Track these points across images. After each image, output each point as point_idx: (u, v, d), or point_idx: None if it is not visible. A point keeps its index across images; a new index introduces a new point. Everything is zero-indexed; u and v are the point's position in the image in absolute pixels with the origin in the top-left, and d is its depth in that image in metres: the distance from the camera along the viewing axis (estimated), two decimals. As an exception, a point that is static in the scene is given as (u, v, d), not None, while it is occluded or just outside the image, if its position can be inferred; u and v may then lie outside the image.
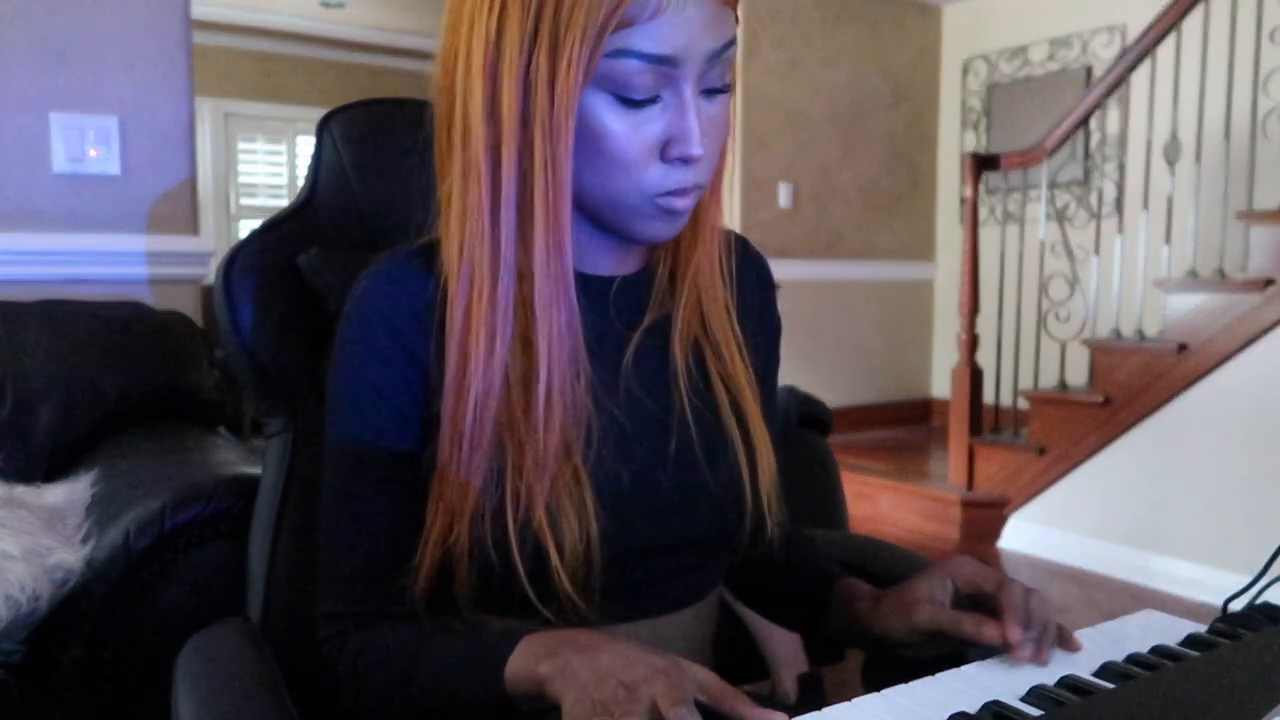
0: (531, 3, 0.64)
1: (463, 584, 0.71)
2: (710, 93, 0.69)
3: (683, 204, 0.70)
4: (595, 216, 0.74)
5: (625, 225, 0.72)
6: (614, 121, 0.67)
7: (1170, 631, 0.72)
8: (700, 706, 0.56)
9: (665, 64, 0.65)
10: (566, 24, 0.63)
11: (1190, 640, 0.70)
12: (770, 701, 0.70)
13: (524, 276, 0.70)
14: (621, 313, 0.78)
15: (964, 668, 0.67)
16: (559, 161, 0.66)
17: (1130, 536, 3.09)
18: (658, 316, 0.79)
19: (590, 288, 0.77)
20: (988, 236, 3.79)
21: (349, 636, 0.73)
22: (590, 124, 0.67)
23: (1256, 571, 0.74)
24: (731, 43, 0.68)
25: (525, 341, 0.71)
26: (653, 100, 0.67)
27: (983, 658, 0.69)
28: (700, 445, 0.77)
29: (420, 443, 0.74)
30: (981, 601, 0.73)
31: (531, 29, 0.64)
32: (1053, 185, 3.54)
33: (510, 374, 0.70)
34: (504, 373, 0.70)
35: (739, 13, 0.71)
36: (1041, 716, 0.57)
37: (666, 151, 0.68)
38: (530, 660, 0.62)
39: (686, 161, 0.68)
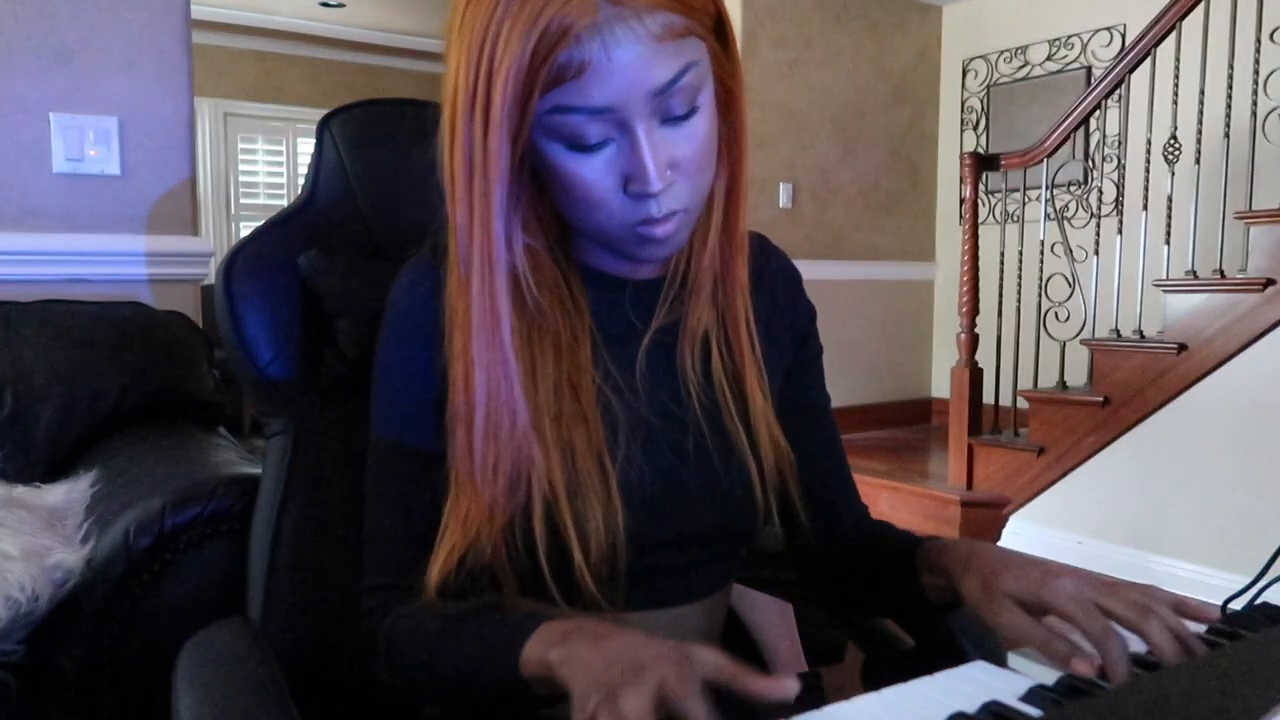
0: (471, 68, 0.66)
1: (501, 580, 0.73)
2: (674, 120, 0.69)
3: (663, 230, 0.71)
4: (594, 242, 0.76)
5: (620, 250, 0.75)
6: (573, 166, 0.68)
7: (1170, 631, 0.71)
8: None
9: (606, 113, 0.66)
10: (494, 89, 0.64)
11: (1190, 640, 0.69)
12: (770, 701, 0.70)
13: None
14: (638, 313, 0.81)
15: (963, 667, 0.67)
16: (489, 221, 0.68)
17: (1130, 537, 3.09)
18: (670, 319, 0.81)
19: (605, 285, 0.80)
20: (988, 236, 3.79)
21: (390, 609, 0.75)
22: (553, 170, 0.69)
23: (1256, 571, 0.74)
24: (684, 72, 0.67)
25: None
26: (605, 144, 0.68)
27: (983, 658, 0.69)
28: (713, 444, 0.79)
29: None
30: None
31: (470, 90, 0.66)
32: (1052, 185, 3.53)
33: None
34: (486, 406, 0.71)
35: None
36: (1041, 717, 0.57)
37: (628, 188, 0.69)
38: (543, 646, 0.63)
39: (651, 196, 0.69)
